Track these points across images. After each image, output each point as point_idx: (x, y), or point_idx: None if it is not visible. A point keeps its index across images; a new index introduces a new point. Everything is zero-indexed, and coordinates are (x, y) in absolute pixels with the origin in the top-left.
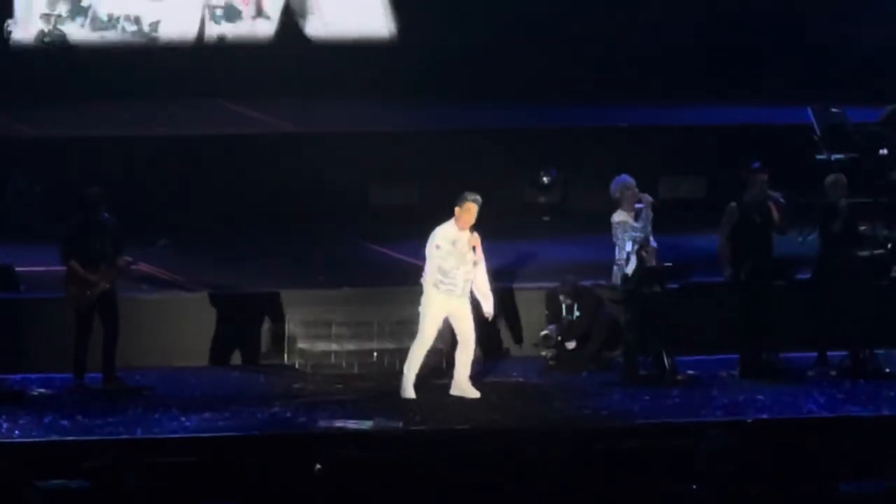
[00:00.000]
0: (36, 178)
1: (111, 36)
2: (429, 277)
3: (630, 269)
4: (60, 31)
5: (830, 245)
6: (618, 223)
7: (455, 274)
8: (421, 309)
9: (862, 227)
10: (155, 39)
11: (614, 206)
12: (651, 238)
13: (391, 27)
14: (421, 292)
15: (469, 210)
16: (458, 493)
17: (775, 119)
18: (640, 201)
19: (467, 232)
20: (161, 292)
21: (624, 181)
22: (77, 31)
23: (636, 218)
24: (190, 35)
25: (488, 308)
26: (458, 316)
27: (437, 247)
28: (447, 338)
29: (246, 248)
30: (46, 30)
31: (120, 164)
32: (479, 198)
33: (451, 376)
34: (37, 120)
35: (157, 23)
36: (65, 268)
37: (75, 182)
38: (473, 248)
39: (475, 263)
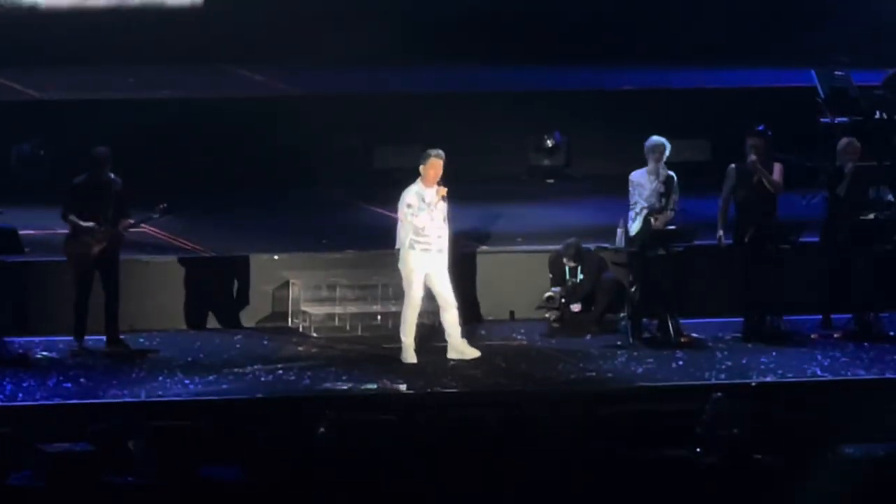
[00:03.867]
0: (40, 141)
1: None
2: (404, 239)
3: (633, 230)
4: None
5: (837, 208)
6: (631, 182)
7: (428, 231)
8: (402, 273)
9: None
10: (162, 2)
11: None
12: (668, 209)
13: None
14: (397, 259)
15: (434, 166)
16: (462, 456)
17: (779, 82)
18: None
19: (435, 188)
20: (165, 255)
21: (652, 143)
22: None
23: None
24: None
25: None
26: (435, 275)
27: (409, 205)
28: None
29: (250, 211)
30: None
31: (124, 127)
32: (441, 153)
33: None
34: (42, 83)
35: None
36: (66, 227)
37: (79, 145)
38: (443, 199)
39: (445, 219)
